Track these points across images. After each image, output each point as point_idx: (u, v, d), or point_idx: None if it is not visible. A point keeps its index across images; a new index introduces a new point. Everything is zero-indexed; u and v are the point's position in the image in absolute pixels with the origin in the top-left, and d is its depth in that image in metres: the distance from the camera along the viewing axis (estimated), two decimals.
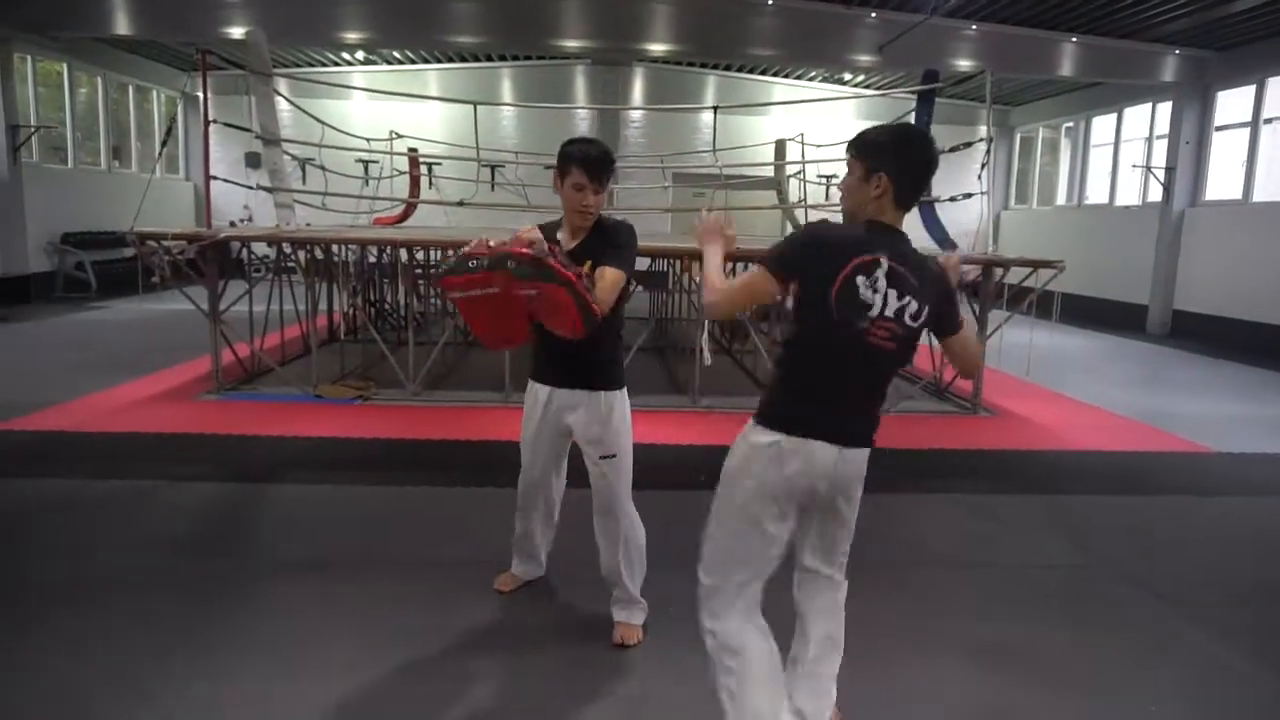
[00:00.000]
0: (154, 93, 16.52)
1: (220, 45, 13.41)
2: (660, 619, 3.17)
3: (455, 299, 2.78)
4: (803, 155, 11.78)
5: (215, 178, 7.18)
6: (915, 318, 2.14)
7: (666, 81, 17.39)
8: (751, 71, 17.36)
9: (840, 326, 2.11)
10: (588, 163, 2.78)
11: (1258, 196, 11.78)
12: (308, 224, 9.92)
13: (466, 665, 2.88)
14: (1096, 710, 2.73)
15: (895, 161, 2.18)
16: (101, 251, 13.61)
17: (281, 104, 11.56)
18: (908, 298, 2.12)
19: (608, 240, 2.88)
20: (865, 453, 2.27)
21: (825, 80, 17.35)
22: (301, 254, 7.81)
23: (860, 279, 2.10)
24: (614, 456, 3.02)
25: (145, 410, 6.22)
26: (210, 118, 7.10)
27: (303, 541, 3.90)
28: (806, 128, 13.20)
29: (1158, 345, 11.93)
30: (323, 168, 10.03)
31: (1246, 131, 12.00)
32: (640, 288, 9.74)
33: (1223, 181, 12.52)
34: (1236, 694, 2.88)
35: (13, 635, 2.98)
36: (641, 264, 8.43)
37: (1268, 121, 11.76)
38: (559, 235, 2.92)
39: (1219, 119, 12.67)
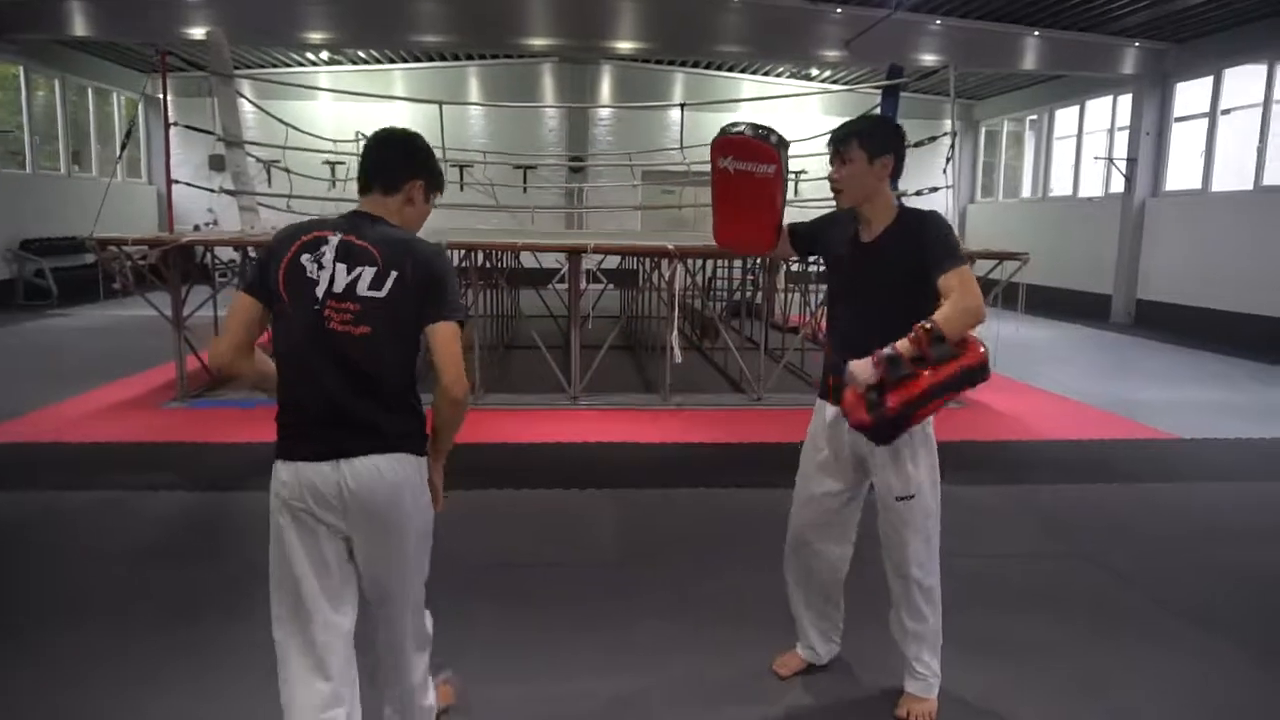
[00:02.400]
0: (114, 95, 16.23)
1: (181, 46, 13.20)
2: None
3: (722, 169, 2.54)
4: None
5: (177, 181, 7.07)
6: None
7: (635, 79, 17.38)
8: (719, 68, 17.41)
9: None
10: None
11: (1216, 186, 12.01)
12: (274, 227, 9.80)
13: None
14: (1078, 698, 2.76)
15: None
16: (62, 258, 13.33)
17: (245, 106, 11.41)
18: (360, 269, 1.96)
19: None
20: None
21: (793, 76, 17.44)
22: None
23: (305, 257, 1.98)
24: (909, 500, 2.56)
25: (110, 419, 6.11)
26: (171, 120, 6.99)
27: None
28: (774, 123, 13.26)
29: (1122, 334, 12.12)
30: (287, 170, 9.91)
31: (1205, 122, 12.22)
32: (610, 285, 9.73)
33: (1183, 172, 12.74)
34: (1213, 676, 2.92)
35: None
36: (611, 262, 8.46)
37: (1225, 112, 11.98)
38: None
39: (1178, 110, 12.90)
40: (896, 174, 2.47)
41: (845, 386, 2.29)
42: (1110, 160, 13.79)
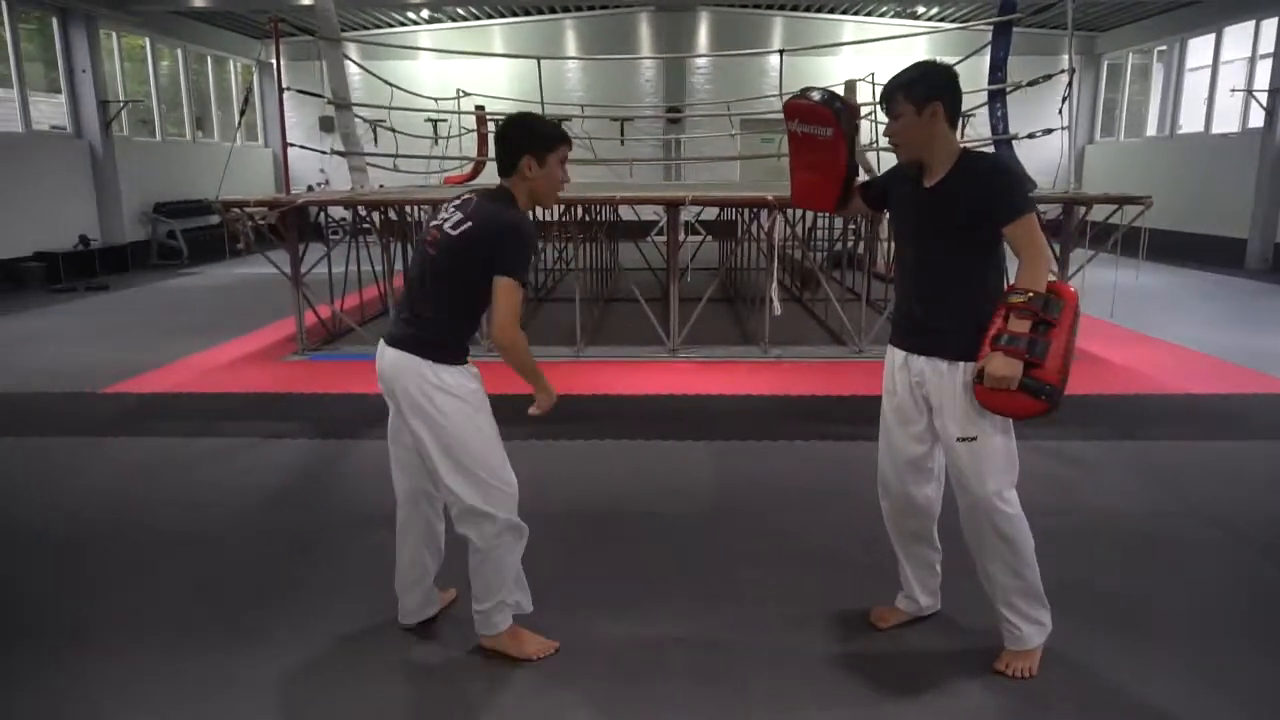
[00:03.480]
0: (230, 62, 16.97)
1: (291, 12, 13.67)
2: None
3: (791, 131, 2.70)
4: (873, 96, 11.42)
5: (292, 145, 7.37)
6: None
7: (732, 25, 17.01)
8: (820, 11, 16.83)
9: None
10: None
11: None
12: (381, 186, 10.13)
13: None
14: (1183, 658, 2.69)
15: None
16: (190, 219, 14.17)
17: (351, 68, 11.73)
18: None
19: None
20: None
21: (897, 15, 16.71)
22: (376, 216, 8.00)
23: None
24: None
25: (236, 372, 6.53)
26: (284, 85, 7.27)
27: (385, 491, 4.07)
28: (877, 67, 12.79)
29: (1257, 281, 11.30)
30: (393, 129, 10.17)
31: None
32: (709, 237, 9.68)
33: None
34: None
35: (140, 573, 3.22)
36: (710, 213, 8.41)
37: None
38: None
39: None
40: (953, 118, 2.49)
41: (991, 389, 2.36)
42: (1250, 92, 12.72)
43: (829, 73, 15.73)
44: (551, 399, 2.73)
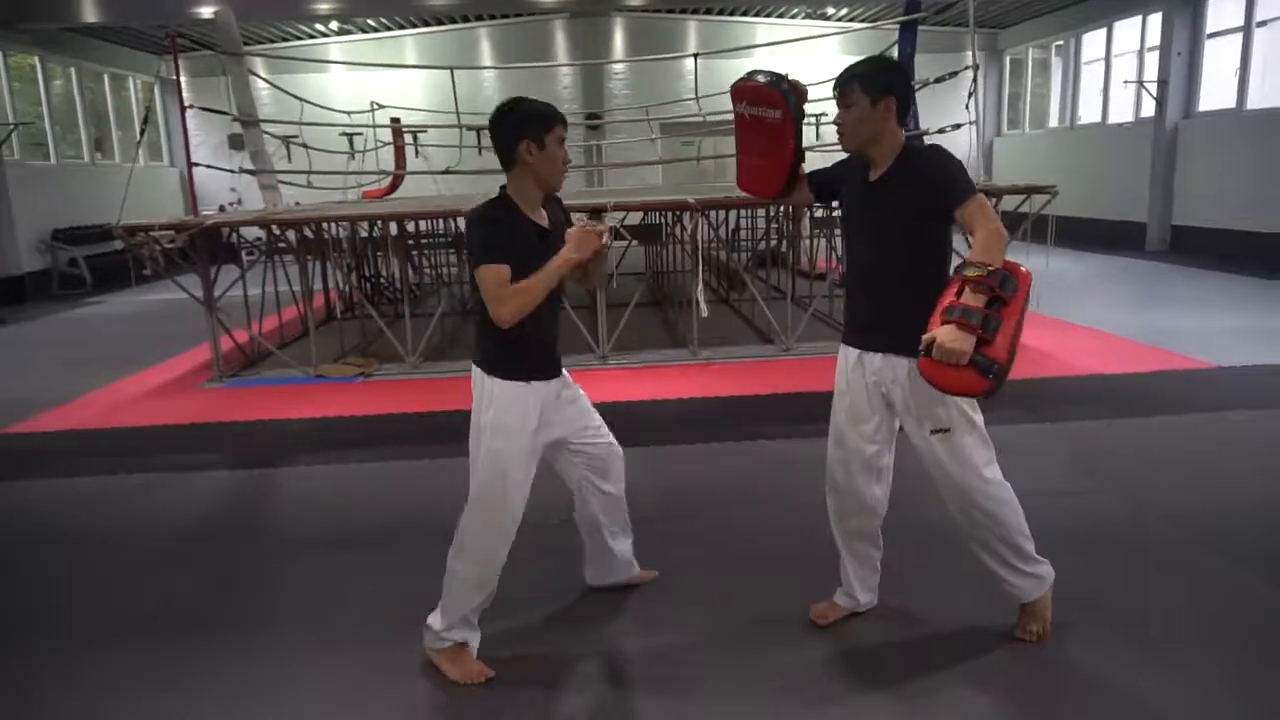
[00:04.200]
0: (130, 80, 16.31)
1: (192, 27, 13.21)
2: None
3: (738, 114, 2.66)
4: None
5: (197, 164, 7.12)
6: None
7: (647, 30, 17.10)
8: (733, 14, 17.05)
9: None
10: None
11: (1252, 104, 11.59)
12: (297, 203, 9.86)
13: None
14: (1113, 633, 2.77)
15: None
16: (93, 245, 13.53)
17: (259, 83, 11.40)
18: None
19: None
20: None
21: (808, 16, 17.03)
22: (292, 234, 7.78)
23: None
24: None
25: (150, 403, 6.26)
26: (187, 102, 7.02)
27: (319, 520, 3.95)
28: (792, 68, 12.98)
29: (1157, 262, 11.87)
30: (305, 145, 9.93)
31: (1239, 37, 11.76)
32: (634, 242, 9.69)
33: (1217, 92, 12.31)
34: (1248, 612, 2.91)
35: (53, 622, 3.04)
36: (634, 218, 8.41)
37: (1261, 24, 11.51)
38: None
39: (1210, 26, 12.42)
40: (903, 114, 2.49)
41: (938, 362, 2.23)
42: (1140, 83, 13.35)
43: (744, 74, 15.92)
44: (579, 250, 2.47)
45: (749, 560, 3.40)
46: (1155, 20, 13.17)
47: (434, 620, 2.64)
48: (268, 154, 7.63)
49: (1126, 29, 14.15)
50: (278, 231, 7.64)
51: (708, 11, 16.95)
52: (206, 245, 6.85)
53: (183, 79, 7.47)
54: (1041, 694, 2.50)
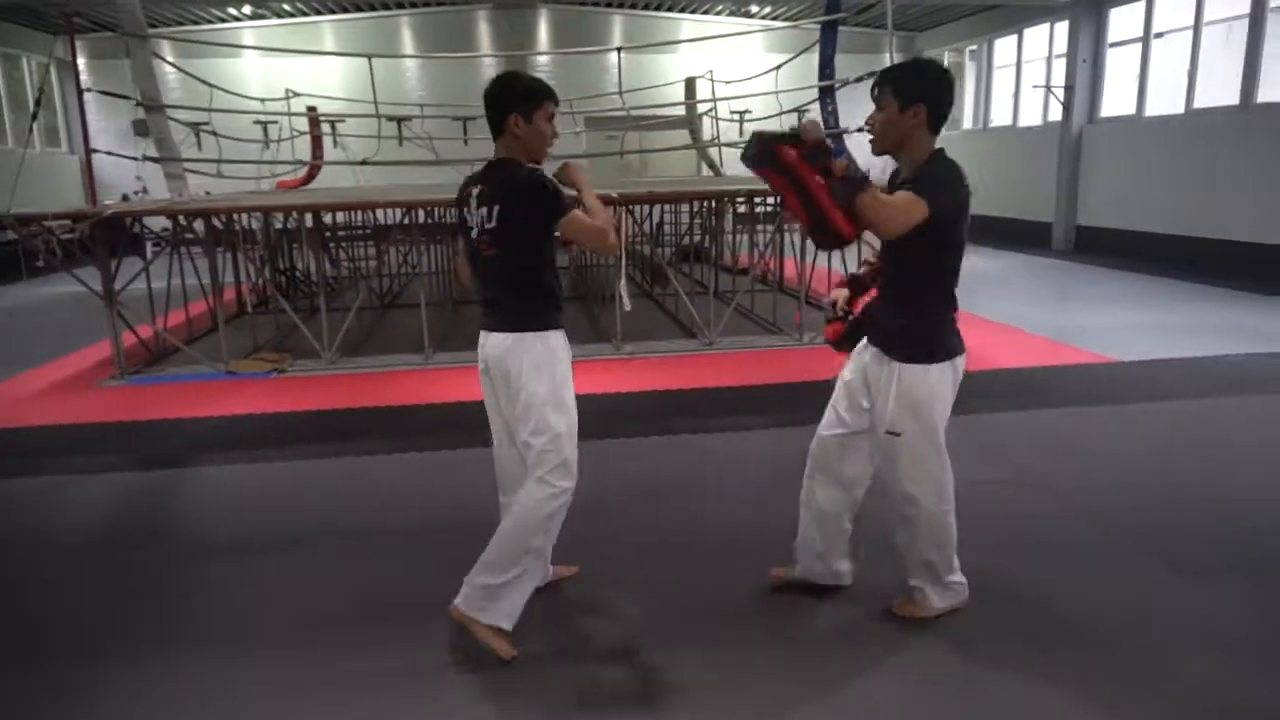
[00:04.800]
0: (24, 60, 15.42)
1: (92, 5, 12.56)
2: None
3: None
4: (713, 93, 11.70)
5: (97, 150, 6.77)
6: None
7: (573, 23, 17.00)
8: (658, 9, 17.08)
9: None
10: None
11: (1150, 111, 12.18)
12: (207, 193, 9.49)
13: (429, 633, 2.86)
14: (1022, 617, 2.86)
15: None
16: None
17: (167, 67, 10.92)
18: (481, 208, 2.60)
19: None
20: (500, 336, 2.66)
21: (732, 14, 17.19)
22: (200, 225, 7.47)
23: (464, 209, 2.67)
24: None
25: (46, 402, 5.93)
26: (85, 85, 6.67)
27: (231, 524, 3.80)
28: (716, 65, 13.10)
29: (1063, 261, 12.37)
30: (215, 133, 9.56)
31: (1139, 47, 12.33)
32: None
33: (1119, 98, 12.89)
34: (1149, 594, 3.03)
35: None
36: None
37: (1158, 36, 12.09)
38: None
39: (1113, 35, 12.99)
40: (936, 123, 2.50)
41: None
42: (1048, 88, 13.89)
43: (668, 70, 16.00)
44: (582, 171, 2.86)
45: (675, 549, 3.41)
46: (1062, 29, 13.71)
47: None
48: (174, 141, 7.30)
49: (1036, 36, 14.70)
50: (185, 222, 7.33)
51: (633, 6, 16.94)
52: (107, 236, 6.52)
53: (81, 60, 7.09)
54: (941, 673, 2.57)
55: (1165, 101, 11.87)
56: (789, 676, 2.58)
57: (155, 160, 7.03)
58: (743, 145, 2.39)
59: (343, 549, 3.53)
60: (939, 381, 2.63)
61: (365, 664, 2.66)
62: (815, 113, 8.93)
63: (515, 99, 2.60)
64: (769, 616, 2.91)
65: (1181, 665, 2.58)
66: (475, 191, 2.64)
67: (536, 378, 2.61)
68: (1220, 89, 10.79)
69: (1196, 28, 11.13)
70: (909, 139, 2.49)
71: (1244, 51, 10.33)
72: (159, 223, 8.89)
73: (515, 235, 2.58)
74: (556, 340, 2.67)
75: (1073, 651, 2.66)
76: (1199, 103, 11.19)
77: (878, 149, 2.57)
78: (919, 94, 2.46)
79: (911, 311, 2.60)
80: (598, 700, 2.50)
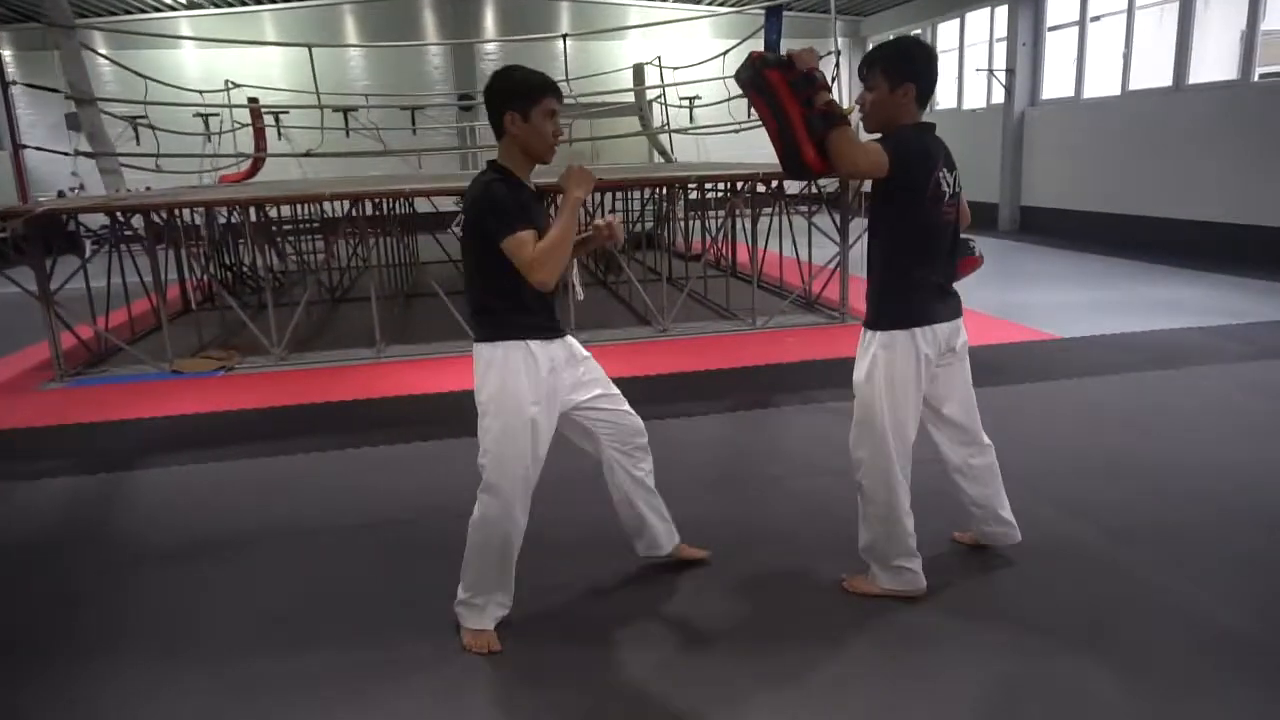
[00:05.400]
0: None
1: None
2: None
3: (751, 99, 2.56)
4: (661, 79, 11.69)
5: (25, 145, 6.54)
6: None
7: (519, 10, 16.85)
8: None
9: None
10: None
11: (1088, 93, 12.46)
12: (147, 188, 9.25)
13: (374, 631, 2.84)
14: (961, 590, 2.94)
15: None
16: None
17: (100, 59, 10.59)
18: None
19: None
20: None
21: (679, 1, 17.16)
22: (139, 221, 7.27)
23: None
24: None
25: None
26: (11, 78, 6.44)
27: (176, 527, 3.72)
28: (665, 51, 13.08)
29: (1008, 241, 12.62)
30: (153, 127, 9.31)
31: (1076, 30, 12.59)
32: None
33: (1058, 81, 13.16)
34: (1085, 570, 3.12)
35: None
36: None
37: (1095, 19, 12.35)
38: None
39: (1051, 19, 13.24)
40: (922, 101, 2.60)
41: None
42: (990, 71, 14.13)
43: (616, 57, 15.96)
44: (581, 186, 2.50)
45: (622, 541, 3.42)
46: (1002, 12, 13.94)
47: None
48: (108, 135, 7.10)
49: (977, 20, 14.93)
50: (123, 218, 7.14)
51: None
52: (41, 234, 6.32)
53: (7, 52, 6.84)
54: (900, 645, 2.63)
55: (1103, 84, 12.15)
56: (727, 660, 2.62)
57: (89, 155, 6.83)
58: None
59: (293, 547, 3.48)
60: (884, 347, 2.68)
61: (317, 663, 2.64)
62: None
63: (510, 95, 2.39)
64: (727, 603, 2.95)
65: (1097, 609, 2.67)
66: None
67: (486, 390, 2.51)
68: (1154, 71, 11.08)
69: (1130, 11, 11.40)
70: (899, 117, 2.57)
71: (1175, 35, 10.62)
72: (98, 220, 8.65)
73: (472, 246, 2.48)
74: (516, 352, 2.49)
75: (1011, 623, 2.74)
76: (1134, 85, 11.47)
77: (869, 127, 2.65)
78: (908, 74, 2.53)
79: (873, 274, 2.71)
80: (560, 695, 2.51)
